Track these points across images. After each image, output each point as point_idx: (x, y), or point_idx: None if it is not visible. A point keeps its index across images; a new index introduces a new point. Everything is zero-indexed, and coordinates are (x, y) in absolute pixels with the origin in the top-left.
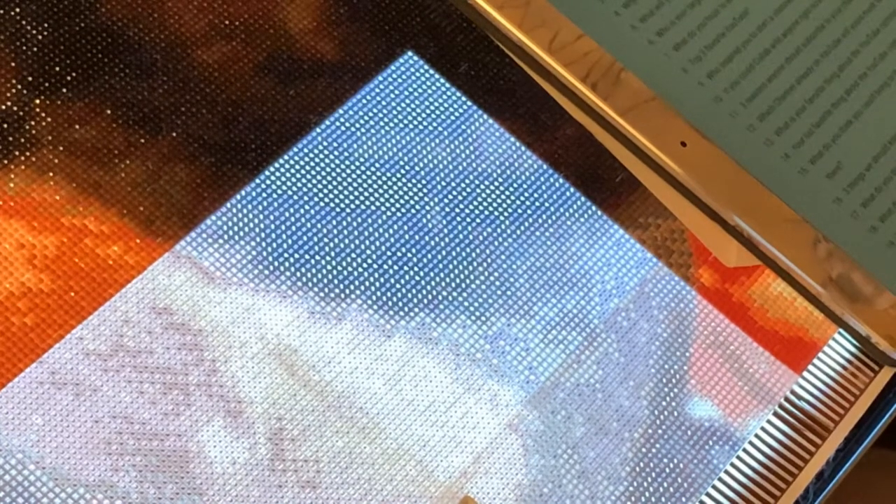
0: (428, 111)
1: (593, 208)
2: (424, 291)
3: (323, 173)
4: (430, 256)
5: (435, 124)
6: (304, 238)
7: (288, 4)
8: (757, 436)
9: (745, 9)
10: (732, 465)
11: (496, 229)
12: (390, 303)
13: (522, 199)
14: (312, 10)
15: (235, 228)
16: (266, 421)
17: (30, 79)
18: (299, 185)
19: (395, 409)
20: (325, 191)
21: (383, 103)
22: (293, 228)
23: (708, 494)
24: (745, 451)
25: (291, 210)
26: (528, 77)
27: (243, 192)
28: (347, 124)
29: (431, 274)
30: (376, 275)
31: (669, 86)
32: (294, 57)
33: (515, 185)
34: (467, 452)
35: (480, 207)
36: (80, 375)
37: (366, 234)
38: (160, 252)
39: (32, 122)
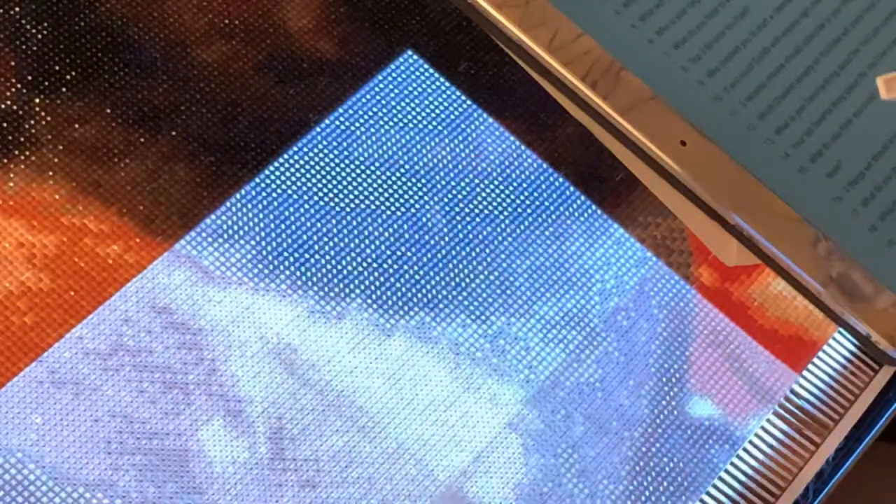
0: (428, 110)
1: (593, 207)
2: (424, 291)
3: (323, 172)
4: (430, 256)
5: (435, 123)
6: (304, 237)
7: (287, 3)
8: (757, 435)
9: (745, 7)
10: (732, 464)
11: (496, 229)
12: (390, 302)
13: (522, 198)
14: (312, 9)
15: (235, 227)
16: (266, 420)
17: (29, 78)
18: (299, 184)
19: (395, 408)
20: (325, 190)
21: (383, 102)
22: (293, 228)
23: (708, 493)
24: (744, 450)
25: (291, 209)
26: (528, 76)
27: (243, 192)
28: (347, 123)
29: (431, 273)
30: (376, 274)
31: (669, 85)
32: (294, 56)
33: (515, 185)
34: (467, 452)
35: (480, 207)
36: (79, 375)
37: (366, 233)
38: (160, 251)
39: (32, 122)
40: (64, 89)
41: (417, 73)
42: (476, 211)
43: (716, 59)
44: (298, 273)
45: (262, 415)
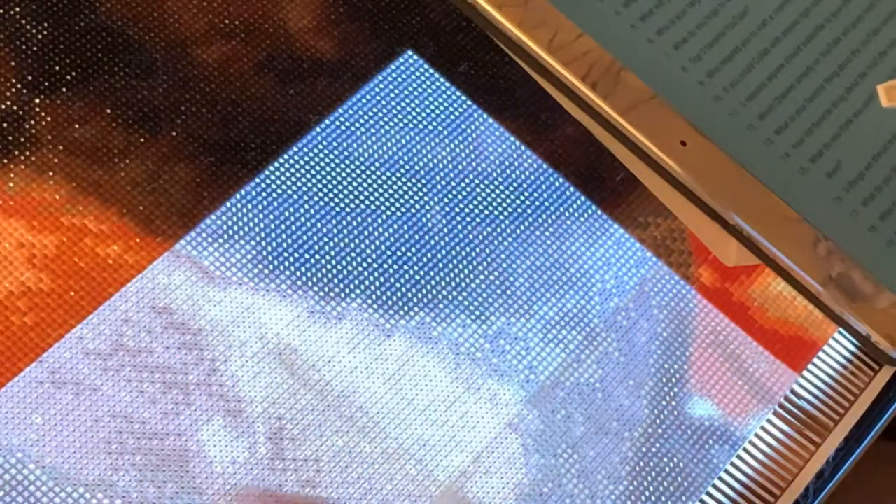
0: (428, 111)
1: (593, 207)
2: (424, 291)
3: (323, 173)
4: (430, 256)
5: (435, 124)
6: (304, 238)
7: (287, 3)
8: (757, 435)
9: (745, 8)
10: (732, 464)
11: (496, 229)
12: (390, 302)
13: (522, 198)
14: (312, 10)
15: (235, 228)
16: (266, 420)
17: (30, 78)
18: (299, 184)
19: (395, 408)
20: (325, 190)
21: (383, 103)
22: (293, 228)
23: (708, 493)
24: (745, 450)
25: (291, 210)
26: (528, 76)
27: (243, 192)
28: (347, 124)
29: (431, 273)
30: (376, 274)
31: (669, 85)
32: (294, 56)
33: (515, 185)
34: (467, 452)
35: (480, 207)
36: (79, 375)
37: (366, 233)
38: (160, 251)
39: (32, 122)
40: (64, 89)
41: (417, 73)
42: (476, 211)
43: (716, 59)
44: (298, 273)
45: (262, 415)
